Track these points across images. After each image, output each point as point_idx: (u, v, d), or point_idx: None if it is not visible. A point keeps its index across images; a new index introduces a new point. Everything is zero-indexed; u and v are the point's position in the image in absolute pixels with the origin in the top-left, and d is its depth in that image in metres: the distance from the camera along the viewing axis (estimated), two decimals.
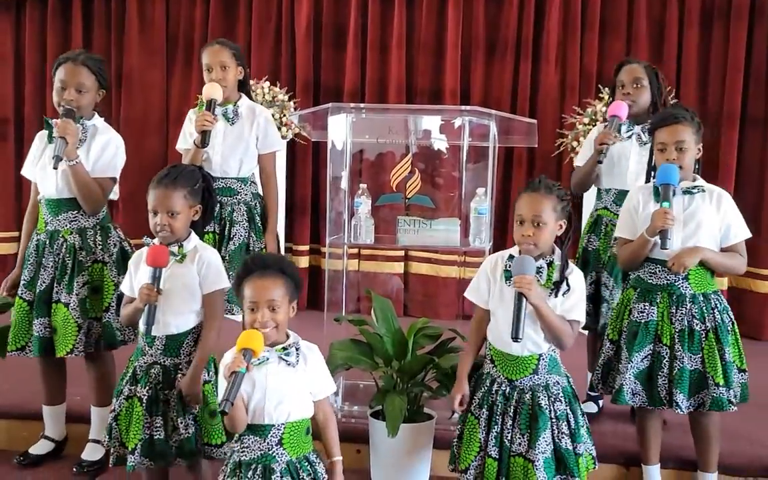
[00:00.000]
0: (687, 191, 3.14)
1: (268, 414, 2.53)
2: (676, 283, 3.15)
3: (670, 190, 3.07)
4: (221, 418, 2.92)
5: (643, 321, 3.18)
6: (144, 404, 2.90)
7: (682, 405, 3.11)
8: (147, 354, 2.95)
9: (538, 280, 2.80)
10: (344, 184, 3.83)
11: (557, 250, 2.89)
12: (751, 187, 5.71)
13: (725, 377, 3.10)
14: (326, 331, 3.78)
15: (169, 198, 2.91)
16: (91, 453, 3.52)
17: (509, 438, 2.86)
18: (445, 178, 4.09)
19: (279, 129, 5.62)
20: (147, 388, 2.92)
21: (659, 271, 3.17)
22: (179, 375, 2.93)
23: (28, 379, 3.86)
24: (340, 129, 3.85)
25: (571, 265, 2.89)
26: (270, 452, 2.53)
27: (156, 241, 2.95)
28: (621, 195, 3.70)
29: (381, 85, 6.17)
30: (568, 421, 2.88)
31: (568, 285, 2.84)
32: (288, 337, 2.61)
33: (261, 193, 3.93)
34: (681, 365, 3.11)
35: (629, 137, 3.75)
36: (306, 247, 6.26)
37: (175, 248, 2.94)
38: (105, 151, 3.43)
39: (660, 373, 3.14)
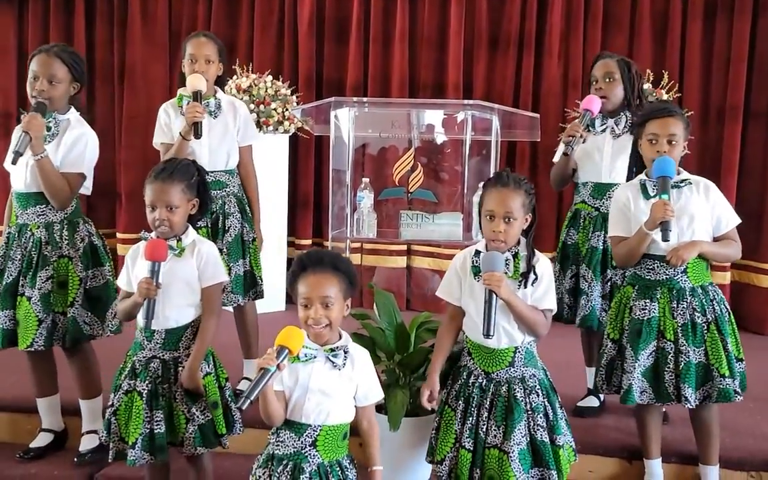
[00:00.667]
0: (675, 185, 3.14)
1: (306, 413, 2.51)
2: (675, 278, 3.16)
3: (668, 182, 3.07)
4: (218, 409, 2.94)
5: (645, 318, 3.18)
6: (144, 398, 2.91)
7: (691, 399, 3.11)
8: (146, 348, 2.96)
9: (506, 273, 2.81)
10: (347, 178, 3.84)
11: (522, 240, 2.90)
12: (754, 181, 5.70)
13: (730, 368, 3.11)
14: None
15: (167, 193, 2.92)
16: (88, 444, 3.55)
17: (484, 430, 2.87)
18: (448, 172, 4.10)
19: (281, 123, 5.63)
20: (147, 382, 2.92)
21: (657, 266, 3.17)
22: (180, 368, 2.93)
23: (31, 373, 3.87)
24: (343, 123, 3.86)
25: (537, 254, 2.91)
26: (303, 451, 2.51)
27: (154, 235, 2.96)
28: (597, 188, 3.75)
29: (384, 80, 6.16)
30: (546, 414, 2.89)
31: (535, 273, 2.85)
32: (340, 337, 2.60)
33: None
34: (687, 359, 3.12)
35: (603, 131, 3.76)
36: (308, 242, 6.25)
37: (173, 242, 2.95)
38: (75, 146, 3.42)
39: (666, 368, 3.14)
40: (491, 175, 2.97)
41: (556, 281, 3.61)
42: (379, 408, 3.38)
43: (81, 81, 3.52)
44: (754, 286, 5.74)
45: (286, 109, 5.65)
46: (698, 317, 3.15)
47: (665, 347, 3.16)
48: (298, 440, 2.52)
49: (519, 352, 2.88)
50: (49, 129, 3.38)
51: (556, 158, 3.91)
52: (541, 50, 6.01)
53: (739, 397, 3.14)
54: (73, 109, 3.50)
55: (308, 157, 6.19)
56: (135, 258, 3.00)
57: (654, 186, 3.13)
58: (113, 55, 6.42)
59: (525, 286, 2.84)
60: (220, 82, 3.89)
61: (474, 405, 2.90)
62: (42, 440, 3.61)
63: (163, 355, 2.95)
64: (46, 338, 3.36)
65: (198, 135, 3.59)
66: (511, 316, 2.84)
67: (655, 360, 3.18)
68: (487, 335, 2.76)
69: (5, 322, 3.39)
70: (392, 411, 3.16)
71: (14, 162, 3.28)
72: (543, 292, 2.88)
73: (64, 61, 3.42)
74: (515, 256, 2.86)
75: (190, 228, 3.04)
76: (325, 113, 3.98)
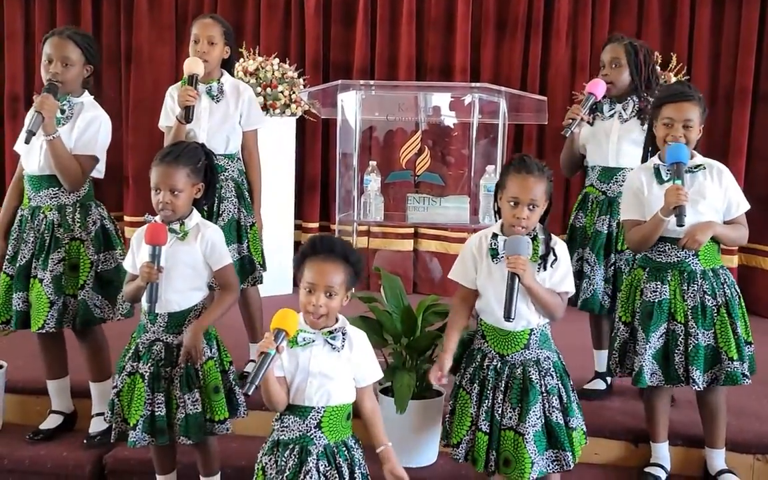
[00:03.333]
0: (689, 170, 3.13)
1: (309, 396, 2.53)
2: (687, 260, 3.16)
3: (682, 167, 3.06)
4: (219, 393, 2.96)
5: (656, 300, 3.18)
6: (146, 381, 2.93)
7: (699, 381, 3.12)
8: (149, 331, 2.97)
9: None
10: (354, 161, 3.83)
11: (538, 224, 2.90)
12: (762, 164, 5.67)
13: (738, 351, 3.12)
14: None
15: (171, 176, 2.92)
16: (97, 426, 3.57)
17: (500, 412, 2.87)
18: (455, 155, 4.10)
19: (288, 106, 5.62)
20: (149, 364, 2.94)
21: (668, 248, 3.17)
22: (182, 352, 2.94)
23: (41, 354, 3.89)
24: (350, 106, 3.85)
25: (555, 237, 2.92)
26: (308, 434, 2.53)
27: (158, 218, 2.96)
28: (605, 172, 3.74)
29: (391, 62, 6.14)
30: (560, 396, 2.90)
31: (555, 255, 2.85)
32: (337, 321, 2.60)
33: None
34: (696, 342, 3.12)
35: (611, 116, 3.75)
36: (315, 225, 6.25)
37: (176, 226, 2.95)
38: (88, 128, 3.43)
39: (676, 350, 3.15)
40: (513, 159, 2.93)
41: None
42: (386, 390, 3.40)
43: (94, 63, 3.53)
44: (762, 269, 5.73)
45: (293, 92, 5.64)
46: (708, 300, 3.15)
47: (675, 329, 3.16)
48: (303, 423, 2.53)
49: (534, 334, 2.89)
50: (63, 111, 3.39)
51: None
52: (549, 33, 5.98)
53: (747, 380, 3.15)
54: (86, 92, 3.51)
55: (315, 140, 6.18)
56: (140, 241, 3.00)
57: (668, 171, 3.12)
58: (120, 38, 6.41)
59: (545, 269, 2.84)
60: (228, 65, 3.87)
61: (489, 387, 2.90)
62: (52, 422, 3.64)
63: (166, 339, 2.96)
64: (57, 320, 3.38)
65: (189, 119, 3.55)
66: (529, 299, 2.83)
67: (665, 342, 3.18)
68: (507, 318, 2.75)
69: (18, 304, 3.41)
70: (399, 394, 3.18)
71: (27, 141, 3.28)
72: (561, 276, 2.88)
73: (77, 43, 3.43)
74: (534, 238, 2.86)
75: (195, 211, 3.04)
76: (331, 96, 3.98)
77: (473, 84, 4.22)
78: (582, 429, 2.96)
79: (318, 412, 2.53)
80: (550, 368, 2.90)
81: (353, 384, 2.61)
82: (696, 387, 3.14)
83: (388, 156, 4.20)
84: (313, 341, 2.54)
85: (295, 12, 6.23)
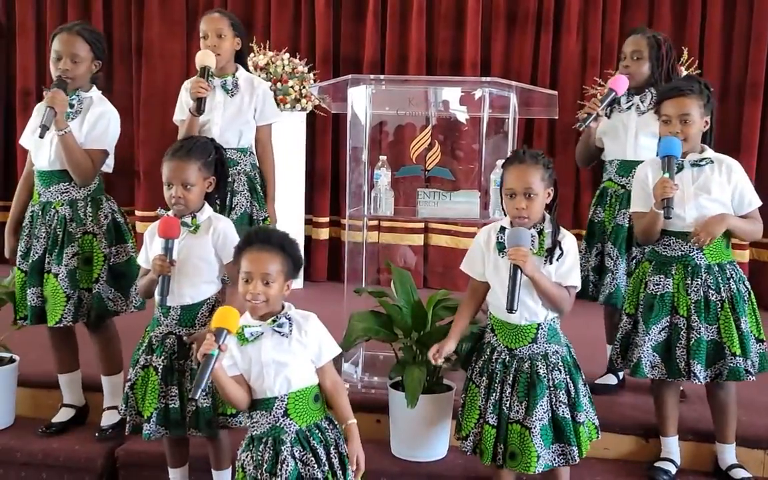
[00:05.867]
0: (695, 163, 3.13)
1: (269, 387, 2.55)
2: (691, 254, 3.15)
3: (672, 161, 3.06)
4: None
5: (658, 293, 3.19)
6: (159, 374, 2.95)
7: (700, 375, 3.12)
8: (162, 324, 2.99)
9: (531, 250, 2.81)
10: (364, 156, 3.83)
11: (547, 217, 2.91)
12: None
13: (742, 347, 3.11)
14: (346, 302, 3.81)
15: (183, 170, 2.94)
16: (109, 419, 3.59)
17: (507, 405, 2.89)
18: (465, 150, 4.09)
19: (298, 100, 5.63)
20: (162, 357, 2.96)
21: (673, 242, 3.17)
22: (194, 345, 2.95)
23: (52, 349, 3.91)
24: (360, 101, 3.84)
25: (563, 230, 2.92)
26: (278, 424, 2.56)
27: (170, 212, 2.98)
28: (623, 165, 3.74)
29: (401, 56, 6.14)
30: (568, 390, 2.91)
31: (561, 249, 2.86)
32: (283, 309, 2.61)
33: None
34: (698, 336, 3.12)
35: (629, 108, 3.74)
36: (326, 219, 6.27)
37: (188, 219, 2.97)
38: (98, 123, 3.45)
39: (678, 344, 3.15)
40: (509, 154, 2.97)
41: (582, 259, 3.62)
42: (397, 385, 3.40)
43: (102, 59, 3.54)
44: None
45: (303, 87, 5.65)
46: (712, 295, 3.14)
47: (678, 323, 3.16)
48: (270, 415, 2.56)
49: (542, 328, 2.90)
50: (72, 106, 3.40)
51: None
52: (560, 27, 5.97)
53: (750, 376, 3.13)
54: (94, 87, 3.53)
55: (325, 134, 6.19)
56: (153, 235, 3.02)
57: (661, 164, 3.11)
58: (131, 34, 6.43)
59: (550, 262, 2.85)
60: (241, 57, 3.87)
61: (497, 381, 2.92)
62: (63, 416, 3.66)
63: (179, 332, 2.98)
64: (73, 314, 3.41)
65: (200, 111, 3.57)
66: (534, 293, 2.84)
67: (667, 336, 3.18)
68: (510, 310, 2.77)
69: (33, 300, 3.43)
70: (409, 388, 3.18)
71: (42, 136, 3.29)
72: (568, 269, 2.89)
73: (86, 39, 3.44)
74: (540, 232, 2.87)
75: (207, 205, 3.06)
76: (342, 91, 3.97)
77: (483, 78, 4.20)
78: (593, 423, 2.97)
79: (282, 401, 2.55)
80: (558, 362, 2.91)
81: (312, 366, 2.61)
82: (697, 382, 3.13)
83: (398, 151, 4.20)
84: (262, 333, 2.56)
85: (306, 7, 6.23)
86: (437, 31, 6.12)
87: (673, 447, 3.38)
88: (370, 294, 3.66)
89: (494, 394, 2.92)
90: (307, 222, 6.15)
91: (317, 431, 2.60)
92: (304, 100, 5.67)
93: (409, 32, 6.10)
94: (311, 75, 5.82)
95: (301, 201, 5.95)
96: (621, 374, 3.92)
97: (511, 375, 2.91)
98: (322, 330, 2.65)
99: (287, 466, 2.52)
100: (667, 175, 3.04)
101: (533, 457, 2.83)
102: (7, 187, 6.45)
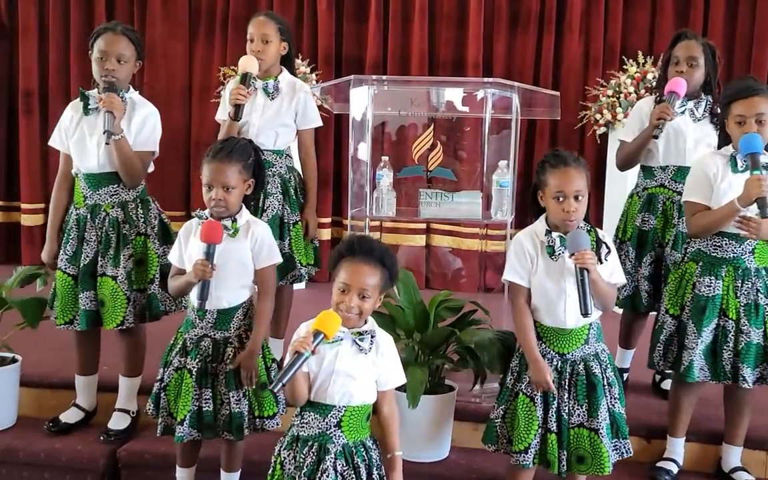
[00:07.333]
0: (766, 166, 3.06)
1: (331, 395, 2.53)
2: (742, 257, 3.14)
3: (758, 158, 3.01)
4: (266, 390, 2.98)
5: (710, 295, 3.16)
6: (194, 376, 2.94)
7: (749, 379, 3.13)
8: (197, 326, 2.98)
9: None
10: (366, 156, 3.84)
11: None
12: None
13: None
14: None
15: (224, 173, 2.91)
16: (118, 422, 3.57)
17: (567, 410, 2.88)
18: (467, 150, 4.09)
19: None
20: (197, 360, 2.95)
21: (725, 243, 3.14)
22: (229, 349, 2.96)
23: (57, 348, 3.93)
24: (362, 101, 3.84)
25: (598, 229, 2.93)
26: (328, 432, 2.53)
27: (207, 213, 2.96)
28: (680, 171, 3.64)
29: (403, 57, 6.14)
30: (618, 386, 2.94)
31: (608, 247, 2.87)
32: (366, 323, 2.60)
33: (295, 166, 3.94)
34: (747, 339, 3.12)
35: (682, 113, 3.66)
36: (328, 220, 6.27)
37: (228, 223, 2.95)
38: (145, 124, 3.45)
39: (726, 347, 3.14)
40: (546, 156, 2.92)
41: (632, 269, 3.62)
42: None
43: (142, 59, 3.54)
44: None
45: None
46: (761, 299, 3.14)
47: (726, 326, 3.14)
48: (323, 421, 2.54)
49: (592, 329, 2.91)
50: None
51: (624, 137, 3.80)
52: (562, 27, 5.97)
53: None
54: (132, 88, 3.51)
55: (328, 135, 6.18)
56: (188, 236, 3.00)
57: (744, 161, 3.07)
58: None
59: (600, 261, 2.84)
60: (288, 61, 3.86)
61: (555, 388, 2.89)
62: (72, 416, 3.63)
63: (214, 335, 2.97)
64: (135, 315, 3.41)
65: (238, 117, 3.58)
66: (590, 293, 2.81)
67: (714, 338, 3.17)
68: (585, 314, 2.74)
69: (87, 304, 3.40)
70: (411, 388, 3.18)
71: (108, 142, 3.26)
72: (613, 266, 2.90)
73: (130, 39, 3.43)
74: (589, 231, 2.85)
75: (244, 208, 3.04)
76: (344, 91, 3.97)
77: (486, 79, 4.20)
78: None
79: (339, 411, 2.53)
80: (607, 360, 2.94)
81: (375, 386, 2.60)
82: (746, 385, 3.13)
83: (400, 151, 4.20)
84: (342, 340, 2.54)
85: (308, 7, 6.24)
86: (439, 32, 6.12)
87: (679, 448, 3.38)
88: None
89: (554, 402, 2.89)
90: None
91: (362, 449, 2.59)
92: None
93: (411, 33, 6.10)
94: (313, 76, 5.82)
95: None
96: (625, 375, 3.91)
97: (566, 379, 2.90)
98: (396, 356, 2.65)
99: (327, 476, 2.49)
100: (758, 171, 2.97)
101: (605, 457, 2.85)
102: (9, 188, 6.45)
